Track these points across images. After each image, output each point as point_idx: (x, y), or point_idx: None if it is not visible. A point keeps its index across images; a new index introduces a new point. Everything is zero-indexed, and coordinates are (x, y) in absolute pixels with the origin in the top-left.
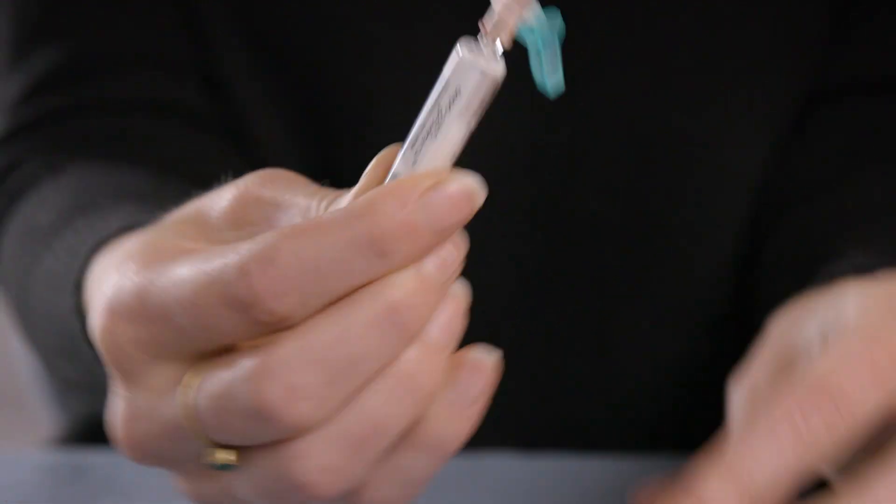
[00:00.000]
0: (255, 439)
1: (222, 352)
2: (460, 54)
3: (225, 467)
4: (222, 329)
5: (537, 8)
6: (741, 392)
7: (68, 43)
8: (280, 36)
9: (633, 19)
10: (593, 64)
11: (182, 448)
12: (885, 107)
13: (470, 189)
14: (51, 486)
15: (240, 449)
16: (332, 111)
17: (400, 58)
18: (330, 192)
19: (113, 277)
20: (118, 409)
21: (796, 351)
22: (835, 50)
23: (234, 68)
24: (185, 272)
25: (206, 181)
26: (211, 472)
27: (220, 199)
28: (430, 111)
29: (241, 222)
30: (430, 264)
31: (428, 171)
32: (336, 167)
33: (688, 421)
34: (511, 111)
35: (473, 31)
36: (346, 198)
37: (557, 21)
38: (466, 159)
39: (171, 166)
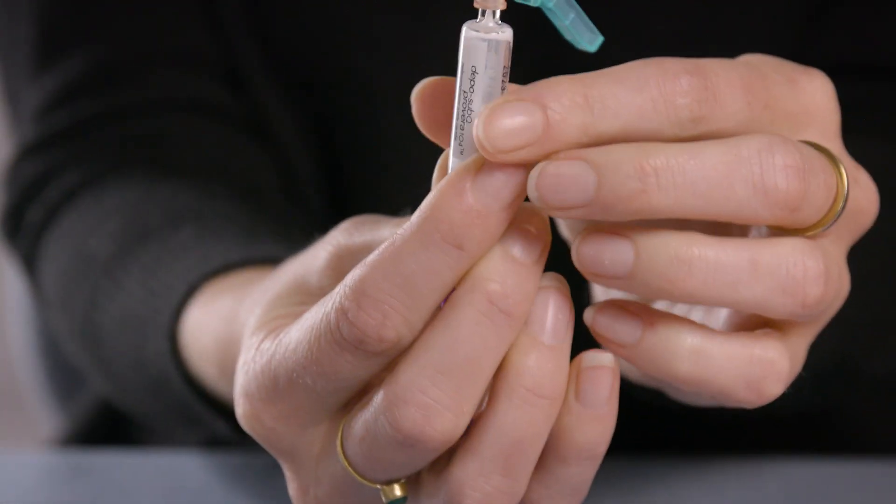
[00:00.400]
0: (411, 467)
1: (361, 395)
2: (463, 33)
3: (398, 502)
4: (346, 374)
5: None
6: None
7: (95, 47)
8: (291, 35)
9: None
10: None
11: (359, 497)
12: (864, 89)
13: (516, 154)
14: (51, 486)
15: (406, 481)
16: (342, 108)
17: (408, 54)
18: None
19: (240, 359)
20: (291, 486)
21: None
22: (812, 34)
23: (250, 66)
24: (295, 335)
25: (244, 183)
26: None
27: (316, 261)
28: (459, 98)
29: (341, 275)
30: (513, 244)
31: (474, 157)
32: (347, 160)
33: (683, 420)
34: None
35: None
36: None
37: None
38: None
39: (211, 170)
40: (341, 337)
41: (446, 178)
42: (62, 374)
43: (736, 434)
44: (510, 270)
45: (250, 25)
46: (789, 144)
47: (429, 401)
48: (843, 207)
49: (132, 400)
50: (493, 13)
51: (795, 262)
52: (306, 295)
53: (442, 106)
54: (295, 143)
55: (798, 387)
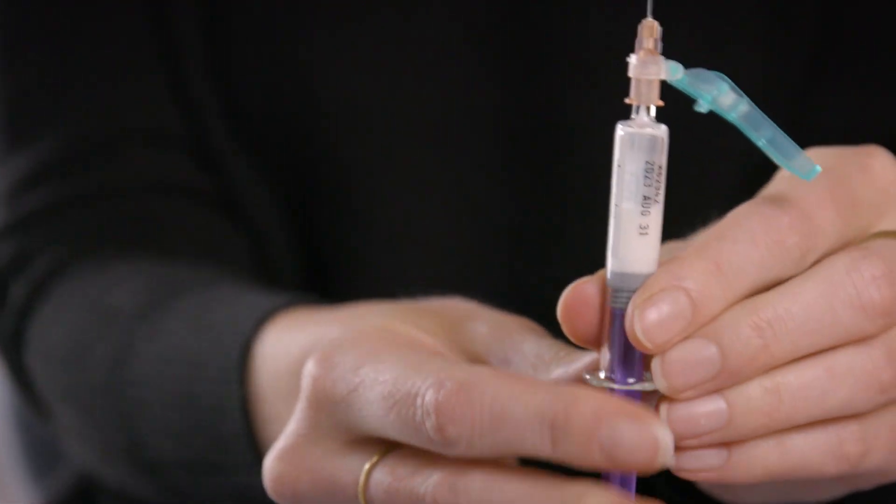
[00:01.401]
0: None
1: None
2: (618, 132)
3: None
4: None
5: (662, 62)
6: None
7: (66, 128)
8: (262, 112)
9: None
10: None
11: None
12: None
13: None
14: None
15: None
16: (316, 184)
17: (383, 128)
18: (565, 355)
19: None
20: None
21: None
22: (812, 97)
23: (221, 144)
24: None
25: (226, 262)
26: None
27: (479, 325)
28: (612, 209)
29: (490, 340)
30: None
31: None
32: (323, 238)
33: None
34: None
35: (456, 98)
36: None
37: (706, 75)
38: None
39: (197, 250)
40: (422, 417)
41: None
42: (39, 449)
43: None
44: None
45: (220, 103)
46: (870, 254)
47: None
48: None
49: (156, 452)
50: (648, 109)
51: (865, 362)
52: (448, 330)
53: (590, 314)
54: (269, 220)
55: None
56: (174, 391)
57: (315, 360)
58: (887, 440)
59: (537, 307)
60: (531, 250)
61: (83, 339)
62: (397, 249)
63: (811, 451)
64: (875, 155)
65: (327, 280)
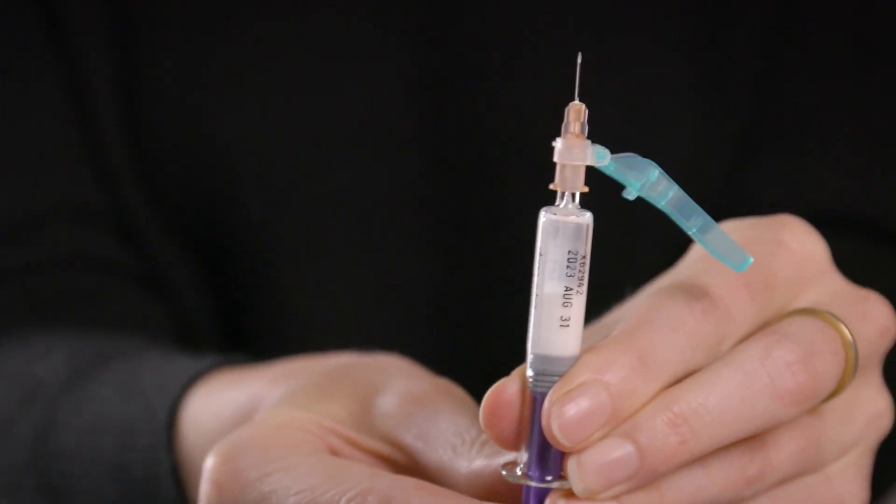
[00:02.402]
0: None
1: None
2: (541, 218)
3: None
4: None
5: (588, 147)
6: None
7: None
8: (180, 185)
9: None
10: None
11: None
12: None
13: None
14: None
15: None
16: (236, 257)
17: (303, 201)
18: (486, 440)
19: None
20: None
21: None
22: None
23: (141, 218)
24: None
25: (153, 338)
26: None
27: (389, 398)
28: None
29: (401, 415)
30: None
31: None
32: (246, 311)
33: None
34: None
35: (379, 171)
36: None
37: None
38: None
39: (122, 324)
40: None
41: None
42: None
43: None
44: None
45: (137, 176)
46: (783, 339)
47: None
48: (856, 357)
49: None
50: (573, 195)
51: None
52: (360, 411)
53: (512, 415)
54: (191, 294)
55: None
56: (103, 461)
57: (216, 462)
58: None
59: (460, 379)
60: (456, 323)
61: (5, 415)
62: (319, 324)
63: None
64: (790, 227)
65: (250, 353)
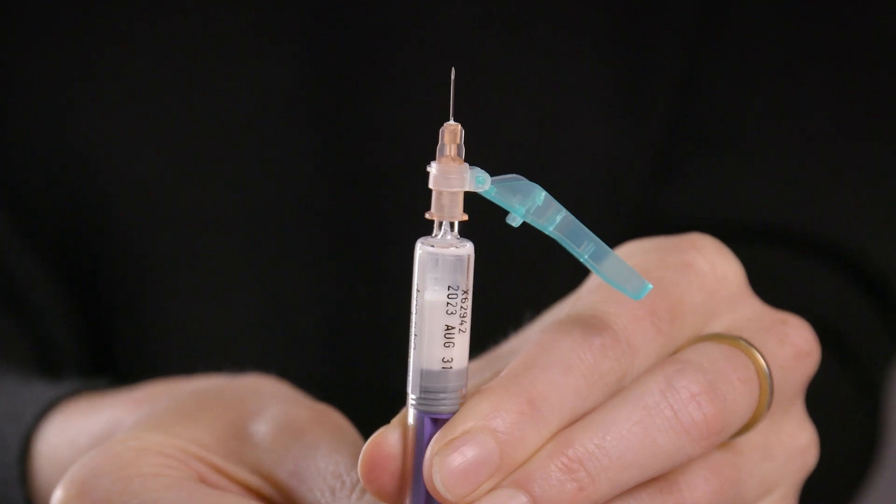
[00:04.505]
0: None
1: None
2: (417, 250)
3: None
4: None
5: (467, 172)
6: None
7: None
8: (43, 197)
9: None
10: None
11: None
12: None
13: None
14: None
15: None
16: (105, 277)
17: (174, 214)
18: (358, 489)
19: None
20: None
21: None
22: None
23: (3, 238)
24: None
25: (10, 363)
26: None
27: (263, 426)
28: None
29: (275, 447)
30: None
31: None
32: (112, 331)
33: None
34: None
35: (262, 181)
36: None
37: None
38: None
39: None
40: None
41: None
42: None
43: None
44: None
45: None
46: (686, 368)
47: None
48: (772, 385)
49: None
50: (452, 225)
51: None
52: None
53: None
54: (54, 312)
55: None
56: None
57: (69, 495)
58: None
59: (350, 399)
60: (345, 342)
61: None
62: (196, 345)
63: None
64: (699, 247)
65: (119, 377)
